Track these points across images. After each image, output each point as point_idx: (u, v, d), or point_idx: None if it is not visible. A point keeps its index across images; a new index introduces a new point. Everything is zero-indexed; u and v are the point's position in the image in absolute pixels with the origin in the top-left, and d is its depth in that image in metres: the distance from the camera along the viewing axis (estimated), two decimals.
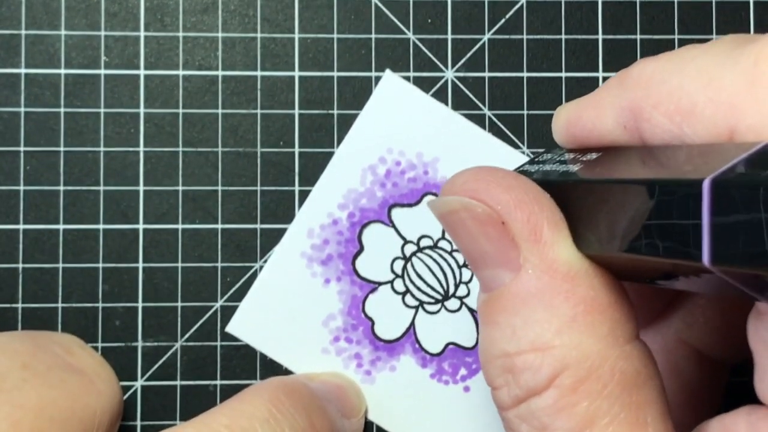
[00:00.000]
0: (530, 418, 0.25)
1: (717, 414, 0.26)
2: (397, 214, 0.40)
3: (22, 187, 0.39)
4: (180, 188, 0.40)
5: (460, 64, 0.40)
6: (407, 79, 0.40)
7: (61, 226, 0.39)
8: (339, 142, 0.40)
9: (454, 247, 0.40)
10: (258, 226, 0.40)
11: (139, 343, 0.39)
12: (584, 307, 0.25)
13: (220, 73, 0.40)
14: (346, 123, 0.40)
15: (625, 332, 0.25)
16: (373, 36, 0.40)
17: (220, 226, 0.40)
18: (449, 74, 0.40)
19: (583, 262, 0.25)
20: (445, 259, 0.40)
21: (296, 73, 0.40)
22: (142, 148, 0.40)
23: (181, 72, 0.40)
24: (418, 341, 0.40)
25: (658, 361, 0.26)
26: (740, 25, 0.41)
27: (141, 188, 0.40)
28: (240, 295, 0.40)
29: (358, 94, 0.40)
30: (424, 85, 0.40)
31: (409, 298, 0.40)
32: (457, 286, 0.40)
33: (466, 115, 0.40)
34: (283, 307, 0.40)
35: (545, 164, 0.29)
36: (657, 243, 0.22)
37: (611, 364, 0.25)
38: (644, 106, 0.26)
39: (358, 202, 0.40)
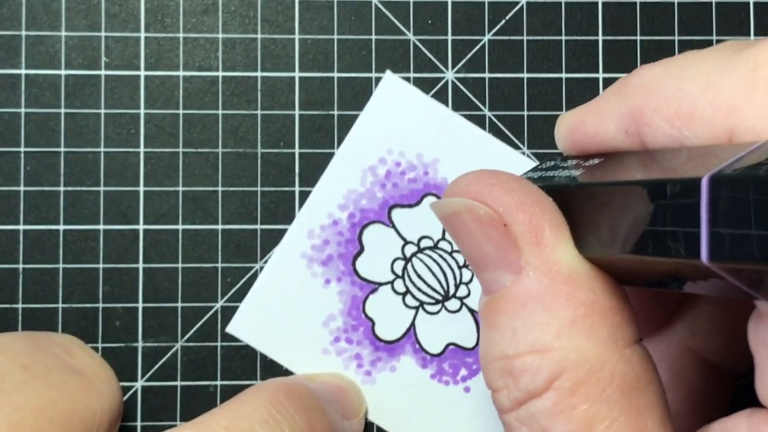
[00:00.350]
0: (530, 421, 0.25)
1: None
2: (398, 214, 0.40)
3: (22, 188, 0.39)
4: (180, 189, 0.40)
5: (460, 65, 0.40)
6: (407, 80, 0.40)
7: (61, 227, 0.39)
8: (339, 143, 0.40)
9: (455, 247, 0.40)
10: (258, 226, 0.40)
11: (140, 344, 0.39)
12: (584, 310, 0.25)
13: (220, 73, 0.40)
14: (347, 124, 0.40)
15: (626, 336, 0.25)
16: (373, 37, 0.40)
17: (220, 226, 0.40)
18: (449, 75, 0.40)
19: (584, 265, 0.25)
20: (445, 260, 0.40)
21: (296, 74, 0.40)
22: (142, 149, 0.40)
23: (181, 73, 0.40)
24: (418, 342, 0.40)
25: (663, 368, 0.26)
26: (740, 25, 0.41)
27: (141, 189, 0.40)
28: (240, 295, 0.40)
29: (358, 95, 0.40)
30: (424, 86, 0.40)
31: (409, 299, 0.40)
32: (457, 287, 0.40)
33: (467, 116, 0.40)
34: (284, 307, 0.40)
35: (548, 171, 0.29)
36: (657, 243, 0.22)
37: (611, 367, 0.25)
38: (645, 111, 0.26)
39: (358, 203, 0.40)
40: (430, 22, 0.40)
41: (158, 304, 0.39)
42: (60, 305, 0.39)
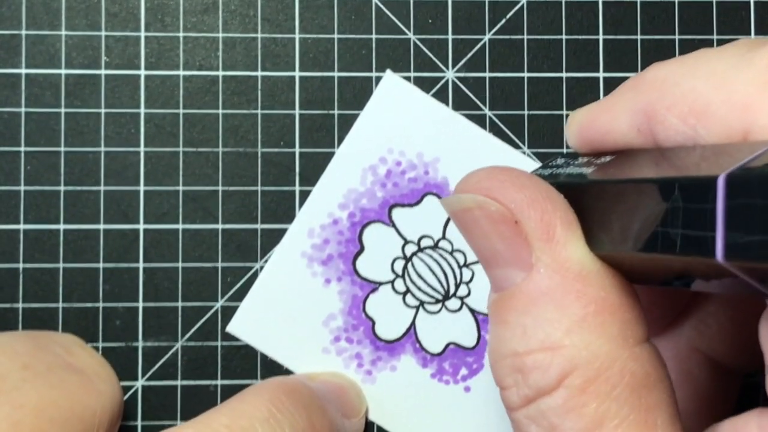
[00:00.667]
0: (539, 419, 0.25)
1: None
2: (398, 214, 0.40)
3: (22, 187, 0.39)
4: (180, 188, 0.40)
5: (460, 64, 0.40)
6: (408, 79, 0.40)
7: (61, 226, 0.39)
8: (339, 142, 0.40)
9: (455, 247, 0.40)
10: (258, 226, 0.40)
11: (140, 343, 0.39)
12: (595, 307, 0.25)
13: (220, 73, 0.40)
14: (347, 123, 0.40)
15: (636, 334, 0.25)
16: (373, 36, 0.40)
17: (220, 226, 0.40)
18: (450, 74, 0.40)
19: (595, 262, 0.25)
20: (445, 259, 0.40)
21: (297, 74, 0.40)
22: (142, 149, 0.40)
23: (181, 72, 0.40)
24: (418, 341, 0.40)
25: (671, 368, 0.26)
26: (741, 25, 0.41)
27: (141, 188, 0.39)
28: (240, 295, 0.40)
29: (358, 95, 0.40)
30: (424, 85, 0.40)
31: (409, 298, 0.40)
32: (457, 286, 0.40)
33: (467, 116, 0.40)
34: (284, 307, 0.40)
35: (559, 168, 0.29)
36: (669, 241, 0.22)
37: (621, 365, 0.25)
38: (658, 108, 0.26)
39: (358, 202, 0.40)
40: (430, 21, 0.40)
41: (158, 303, 0.39)
42: (60, 305, 0.39)
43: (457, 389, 0.40)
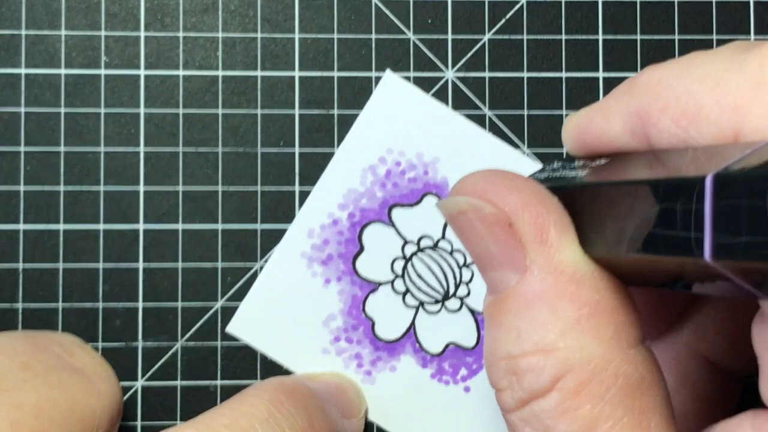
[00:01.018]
0: (534, 421, 0.25)
1: None
2: (398, 214, 0.40)
3: (22, 187, 0.39)
4: (180, 188, 0.40)
5: (460, 64, 0.40)
6: (407, 79, 0.40)
7: (61, 226, 0.39)
8: (339, 142, 0.40)
9: (455, 247, 0.40)
10: (258, 226, 0.40)
11: (140, 343, 0.39)
12: (588, 309, 0.25)
13: (220, 73, 0.40)
14: (347, 123, 0.40)
15: (630, 336, 0.25)
16: (373, 36, 0.40)
17: (220, 226, 0.40)
18: (449, 74, 0.40)
19: (589, 264, 0.25)
20: (445, 259, 0.40)
21: (296, 73, 0.40)
22: (142, 148, 0.40)
23: (181, 72, 0.40)
24: (418, 341, 0.40)
25: (669, 371, 0.26)
26: (740, 25, 0.41)
27: (141, 188, 0.40)
28: (240, 295, 0.40)
29: (358, 94, 0.40)
30: (424, 85, 0.40)
31: (409, 298, 0.40)
32: (457, 286, 0.40)
33: (467, 115, 0.40)
34: (284, 307, 0.40)
35: (554, 171, 0.29)
36: (661, 242, 0.22)
37: (615, 367, 0.25)
38: (651, 111, 0.26)
39: (358, 202, 0.40)
40: (430, 21, 0.40)
41: (158, 303, 0.39)
42: (60, 305, 0.39)
43: (457, 389, 0.40)
